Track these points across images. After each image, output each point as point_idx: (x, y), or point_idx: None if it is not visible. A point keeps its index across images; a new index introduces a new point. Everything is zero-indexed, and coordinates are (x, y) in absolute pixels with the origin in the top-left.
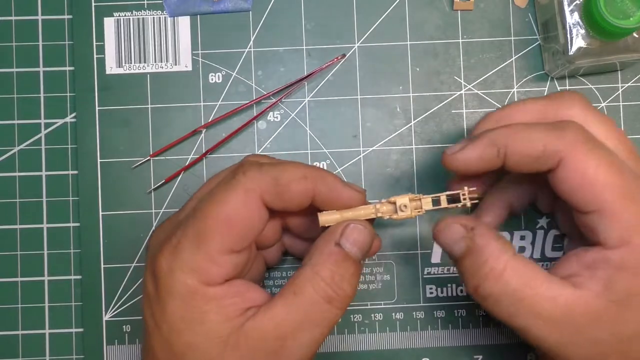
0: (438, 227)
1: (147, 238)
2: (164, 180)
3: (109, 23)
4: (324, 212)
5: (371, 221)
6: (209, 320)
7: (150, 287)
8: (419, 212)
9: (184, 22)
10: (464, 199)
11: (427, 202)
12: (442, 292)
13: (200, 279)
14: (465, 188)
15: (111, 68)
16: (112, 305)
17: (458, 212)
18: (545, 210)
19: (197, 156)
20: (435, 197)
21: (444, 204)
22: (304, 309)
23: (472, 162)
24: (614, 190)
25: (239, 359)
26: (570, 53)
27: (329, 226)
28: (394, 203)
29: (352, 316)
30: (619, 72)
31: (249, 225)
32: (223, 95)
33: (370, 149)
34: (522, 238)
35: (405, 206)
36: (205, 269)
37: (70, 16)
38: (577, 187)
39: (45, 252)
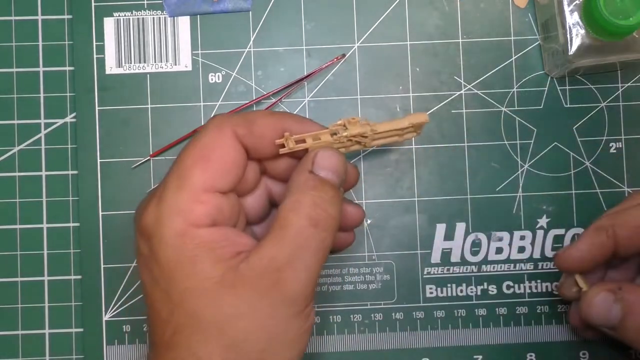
0: (585, 305)
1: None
2: None
3: (108, 23)
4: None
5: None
6: (201, 262)
7: (143, 248)
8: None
9: (184, 22)
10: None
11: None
12: (442, 292)
13: (186, 220)
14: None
15: (111, 68)
16: (112, 305)
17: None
18: None
19: None
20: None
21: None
22: (293, 238)
23: (584, 254)
24: None
25: (237, 298)
26: (570, 53)
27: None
28: (343, 125)
29: (352, 316)
30: (619, 72)
31: (226, 158)
32: (223, 95)
33: (370, 149)
34: (522, 238)
35: (350, 122)
36: (190, 208)
37: (70, 16)
38: None
39: (45, 252)
